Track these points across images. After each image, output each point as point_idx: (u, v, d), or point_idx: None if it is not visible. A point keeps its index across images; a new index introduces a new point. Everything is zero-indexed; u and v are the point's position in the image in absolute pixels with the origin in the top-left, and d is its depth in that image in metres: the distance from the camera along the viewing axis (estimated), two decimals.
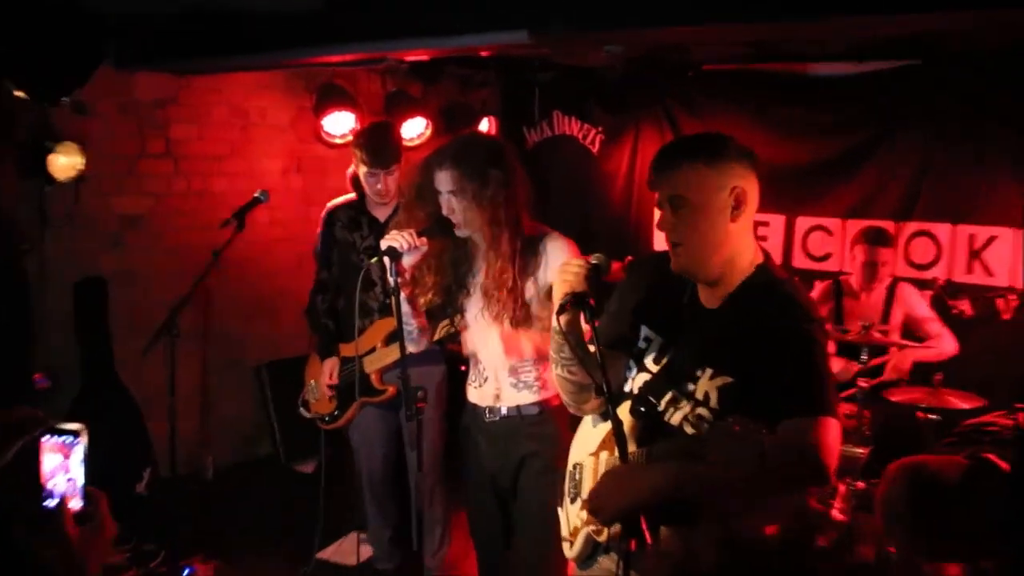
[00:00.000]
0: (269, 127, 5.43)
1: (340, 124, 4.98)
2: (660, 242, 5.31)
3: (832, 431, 1.77)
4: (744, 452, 1.62)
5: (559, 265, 2.17)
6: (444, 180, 2.53)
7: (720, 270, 1.95)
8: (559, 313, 1.98)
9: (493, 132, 5.81)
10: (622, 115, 5.72)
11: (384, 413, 3.59)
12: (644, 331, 2.10)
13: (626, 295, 2.18)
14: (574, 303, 1.95)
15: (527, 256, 2.58)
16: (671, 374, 1.99)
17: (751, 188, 1.94)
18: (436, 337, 2.86)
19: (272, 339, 5.53)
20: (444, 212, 2.55)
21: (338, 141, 5.01)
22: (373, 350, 3.46)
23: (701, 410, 1.92)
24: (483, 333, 2.70)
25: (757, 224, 2.04)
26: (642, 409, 1.98)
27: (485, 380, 2.77)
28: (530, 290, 2.61)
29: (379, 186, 3.46)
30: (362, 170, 3.48)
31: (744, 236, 1.96)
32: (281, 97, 5.45)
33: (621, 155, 5.83)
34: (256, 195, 3.63)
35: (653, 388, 2.01)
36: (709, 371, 1.92)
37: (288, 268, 5.58)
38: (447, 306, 2.74)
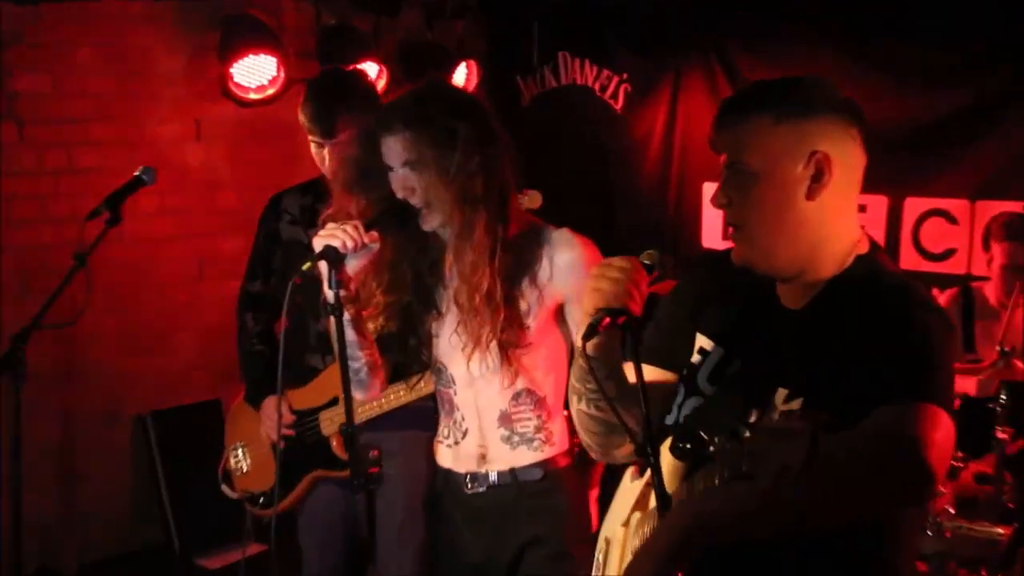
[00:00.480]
0: (156, 77, 5.42)
1: (256, 72, 5.03)
2: (710, 236, 5.55)
3: (942, 423, 1.81)
4: (794, 452, 1.61)
5: (571, 263, 2.32)
6: (395, 149, 2.58)
7: (799, 264, 2.02)
8: (587, 336, 2.00)
9: (474, 82, 5.84)
10: (657, 57, 5.77)
11: (348, 494, 3.59)
12: (700, 341, 2.18)
13: (679, 298, 2.28)
14: (613, 324, 1.97)
15: (518, 250, 2.63)
16: (731, 397, 2.05)
17: (843, 153, 1.99)
18: (403, 399, 2.96)
19: (162, 378, 5.52)
20: (400, 195, 2.60)
21: (254, 96, 5.11)
22: (334, 402, 3.53)
23: None
24: (459, 365, 2.73)
25: None
26: (687, 447, 1.97)
27: (464, 434, 2.80)
28: (527, 297, 2.65)
29: (326, 163, 3.50)
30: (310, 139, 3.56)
31: (835, 218, 2.02)
32: (172, 34, 5.43)
33: (655, 113, 5.86)
34: (138, 174, 3.63)
35: (704, 417, 2.07)
36: (783, 391, 1.97)
37: (185, 278, 5.61)
38: (407, 333, 2.79)
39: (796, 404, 1.95)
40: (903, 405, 1.81)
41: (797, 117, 1.97)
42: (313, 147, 3.51)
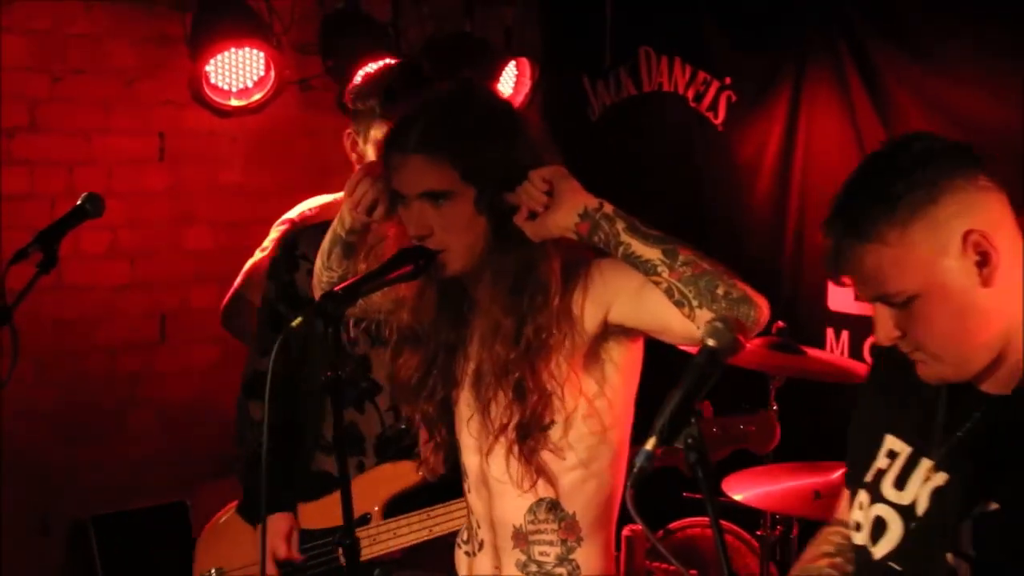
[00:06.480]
0: (105, 74, 5.35)
1: (239, 70, 5.04)
2: (838, 296, 5.55)
3: None
4: None
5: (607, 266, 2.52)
6: (410, 174, 2.61)
7: (997, 350, 2.12)
8: (635, 481, 1.99)
9: (526, 88, 5.81)
10: (771, 53, 5.52)
11: None
12: (890, 442, 2.31)
13: (867, 401, 2.44)
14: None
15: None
16: (933, 515, 2.16)
17: (990, 215, 2.07)
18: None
19: (109, 474, 5.44)
20: (412, 233, 2.63)
21: (235, 102, 5.08)
22: (363, 520, 3.57)
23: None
24: (472, 455, 2.83)
25: None
26: None
27: (480, 546, 2.86)
28: (561, 368, 2.64)
29: None
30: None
31: (1018, 284, 2.10)
32: (127, 19, 5.39)
33: (768, 129, 5.57)
34: (80, 203, 3.60)
35: (909, 547, 2.18)
36: (996, 505, 2.09)
37: (144, 340, 5.57)
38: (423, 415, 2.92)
39: (980, 507, 2.08)
40: None
41: (922, 207, 2.04)
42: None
